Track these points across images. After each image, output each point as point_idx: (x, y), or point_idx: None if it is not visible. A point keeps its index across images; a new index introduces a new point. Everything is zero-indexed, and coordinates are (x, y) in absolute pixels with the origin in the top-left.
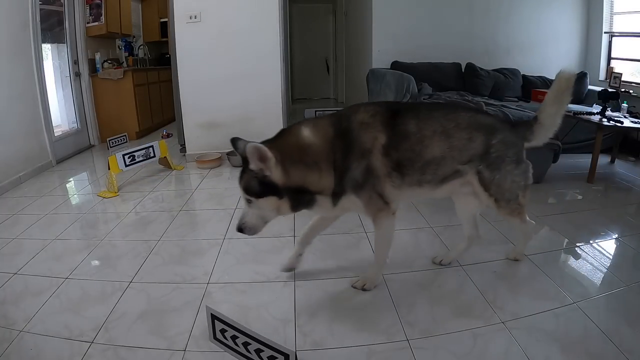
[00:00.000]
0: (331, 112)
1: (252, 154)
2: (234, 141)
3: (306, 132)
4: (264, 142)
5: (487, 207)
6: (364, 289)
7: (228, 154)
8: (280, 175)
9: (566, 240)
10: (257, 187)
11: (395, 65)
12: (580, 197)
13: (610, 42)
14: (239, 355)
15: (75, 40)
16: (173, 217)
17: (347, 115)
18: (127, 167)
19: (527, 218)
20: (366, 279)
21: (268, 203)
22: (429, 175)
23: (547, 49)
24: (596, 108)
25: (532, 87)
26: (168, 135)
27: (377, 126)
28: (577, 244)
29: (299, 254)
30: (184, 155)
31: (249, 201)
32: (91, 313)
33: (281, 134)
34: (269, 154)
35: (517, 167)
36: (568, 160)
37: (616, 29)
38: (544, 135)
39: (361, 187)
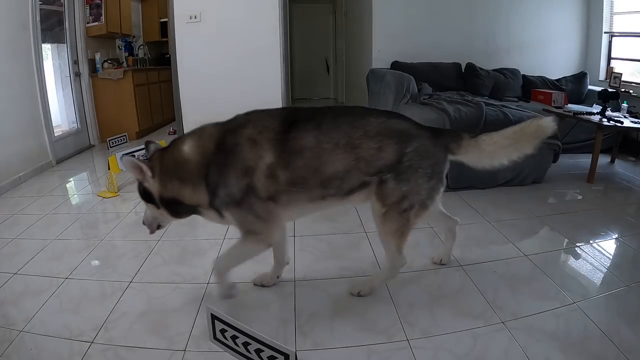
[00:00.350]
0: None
1: (129, 167)
2: (147, 144)
3: (187, 146)
4: (158, 151)
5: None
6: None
7: None
8: (156, 187)
9: (566, 240)
10: (142, 194)
11: (395, 65)
12: (580, 197)
13: (610, 42)
14: (239, 355)
15: (75, 40)
16: None
17: (235, 128)
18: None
19: (403, 250)
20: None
21: (151, 209)
22: (332, 189)
23: (547, 49)
24: (596, 108)
25: (532, 87)
26: (175, 132)
27: (263, 144)
28: (577, 244)
29: (277, 275)
30: None
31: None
32: (91, 313)
33: (171, 144)
34: (143, 167)
35: (429, 181)
36: (568, 160)
37: (616, 29)
38: (479, 158)
39: (237, 204)
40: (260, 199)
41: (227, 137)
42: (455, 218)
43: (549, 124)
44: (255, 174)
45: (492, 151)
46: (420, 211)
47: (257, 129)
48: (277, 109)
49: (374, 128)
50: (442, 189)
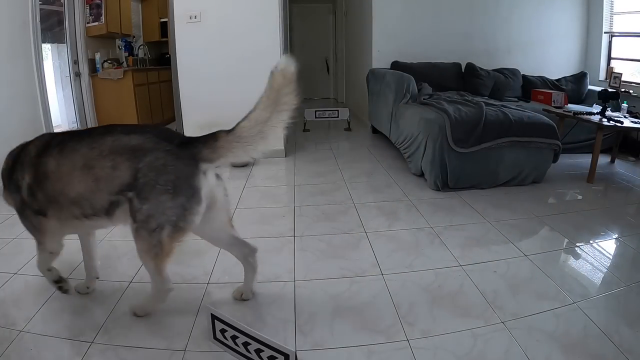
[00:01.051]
0: (330, 110)
1: None
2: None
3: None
4: None
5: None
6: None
7: None
8: None
9: (566, 240)
10: None
11: (395, 65)
12: (580, 197)
13: (610, 42)
14: (239, 355)
15: (75, 40)
16: None
17: (19, 149)
18: None
19: (166, 274)
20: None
21: None
22: (87, 209)
23: (547, 49)
24: (596, 108)
25: (532, 87)
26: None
27: (23, 166)
28: (577, 244)
29: (88, 286)
30: None
31: None
32: (91, 313)
33: None
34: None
35: (174, 198)
36: (568, 160)
37: (616, 29)
38: (248, 148)
39: (20, 216)
40: (32, 212)
41: (15, 156)
42: (254, 246)
43: (288, 64)
44: (22, 190)
45: (259, 131)
46: (174, 233)
47: (18, 149)
48: (48, 134)
49: (107, 147)
50: (198, 208)
